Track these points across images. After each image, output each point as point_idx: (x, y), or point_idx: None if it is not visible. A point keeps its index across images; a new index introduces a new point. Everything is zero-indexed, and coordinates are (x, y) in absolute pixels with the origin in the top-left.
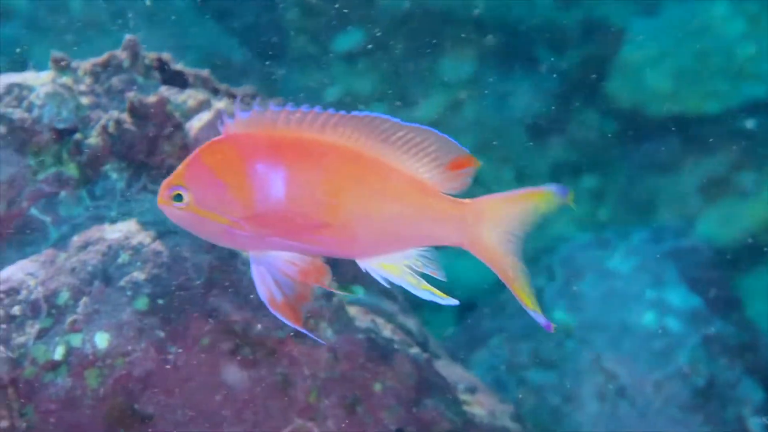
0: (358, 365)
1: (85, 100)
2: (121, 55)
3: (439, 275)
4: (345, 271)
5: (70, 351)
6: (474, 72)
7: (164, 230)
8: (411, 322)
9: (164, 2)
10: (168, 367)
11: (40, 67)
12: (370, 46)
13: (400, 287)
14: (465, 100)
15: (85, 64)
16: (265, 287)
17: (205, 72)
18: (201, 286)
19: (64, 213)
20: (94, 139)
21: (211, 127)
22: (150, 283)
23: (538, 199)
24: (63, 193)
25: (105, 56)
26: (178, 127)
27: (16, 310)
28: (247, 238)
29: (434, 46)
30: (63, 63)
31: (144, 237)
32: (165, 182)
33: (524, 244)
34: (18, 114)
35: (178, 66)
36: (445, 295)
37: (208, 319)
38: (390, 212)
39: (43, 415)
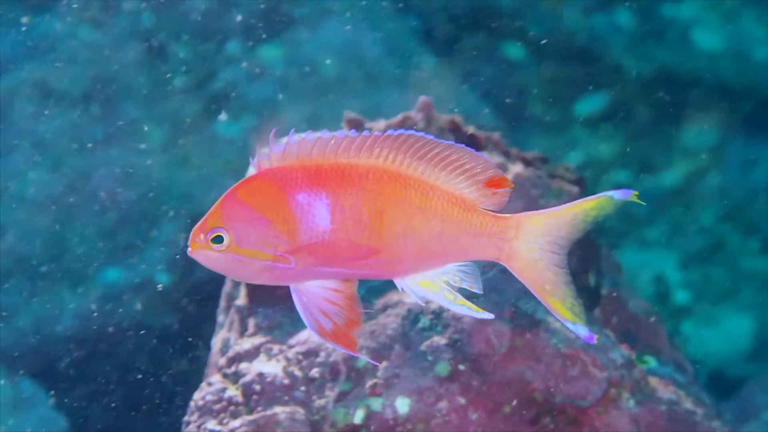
0: None
1: None
2: (416, 116)
3: (476, 288)
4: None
5: (370, 415)
6: (719, 139)
7: (466, 295)
8: (704, 394)
9: (412, 65)
10: None
11: (290, 127)
12: (613, 111)
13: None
14: (709, 168)
15: (378, 125)
16: (312, 318)
17: (496, 135)
18: (502, 353)
19: None
20: None
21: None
22: (451, 348)
23: (588, 207)
24: None
25: (399, 117)
26: None
27: (315, 372)
28: (289, 272)
29: (678, 112)
30: (356, 123)
31: None
32: (198, 227)
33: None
34: None
35: (471, 128)
36: (481, 310)
37: (510, 386)
38: (432, 229)
39: None
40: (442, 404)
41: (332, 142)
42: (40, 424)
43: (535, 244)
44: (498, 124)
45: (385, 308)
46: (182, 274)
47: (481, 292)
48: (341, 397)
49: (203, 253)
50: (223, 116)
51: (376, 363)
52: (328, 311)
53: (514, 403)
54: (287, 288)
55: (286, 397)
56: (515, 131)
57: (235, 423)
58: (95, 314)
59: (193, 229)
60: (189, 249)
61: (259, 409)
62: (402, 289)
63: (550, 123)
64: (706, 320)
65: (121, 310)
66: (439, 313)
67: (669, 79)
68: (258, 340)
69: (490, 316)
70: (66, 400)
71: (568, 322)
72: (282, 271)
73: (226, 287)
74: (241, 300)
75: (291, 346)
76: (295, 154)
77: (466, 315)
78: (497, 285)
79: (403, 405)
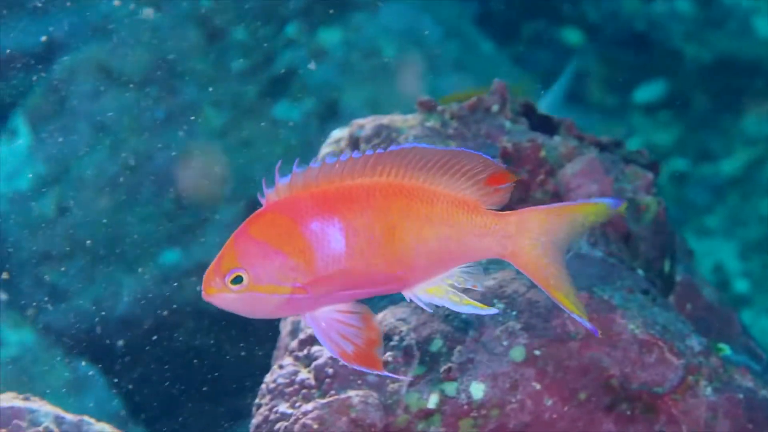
0: (738, 426)
1: (453, 144)
2: (490, 99)
3: (480, 287)
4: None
5: (444, 400)
6: None
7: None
8: None
9: (470, 49)
10: (544, 420)
11: (350, 111)
12: (671, 98)
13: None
14: None
15: (451, 108)
16: (332, 343)
17: (569, 119)
18: (579, 339)
19: None
20: None
21: (585, 175)
22: (526, 333)
23: (588, 210)
24: None
25: (473, 100)
26: (551, 173)
27: (388, 356)
28: (306, 301)
29: (738, 100)
30: (430, 105)
31: (518, 286)
32: (211, 270)
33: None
34: None
35: (544, 112)
36: (486, 306)
37: (586, 372)
38: (440, 236)
39: None
40: (517, 390)
41: (336, 166)
42: (97, 406)
43: (537, 240)
44: (559, 110)
45: None
46: None
47: (484, 289)
48: (415, 381)
49: (220, 296)
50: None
51: (398, 377)
52: (347, 334)
53: (590, 389)
54: None
55: (360, 381)
56: (573, 118)
57: (308, 406)
58: (153, 296)
59: (206, 273)
60: (204, 294)
61: (332, 392)
62: (410, 299)
63: (608, 109)
64: (766, 310)
65: (179, 292)
66: (514, 298)
67: (729, 66)
68: None
69: (495, 311)
70: (123, 382)
71: (575, 315)
72: (299, 301)
73: None
74: None
75: None
76: (302, 183)
77: (472, 314)
78: (571, 270)
79: (477, 390)
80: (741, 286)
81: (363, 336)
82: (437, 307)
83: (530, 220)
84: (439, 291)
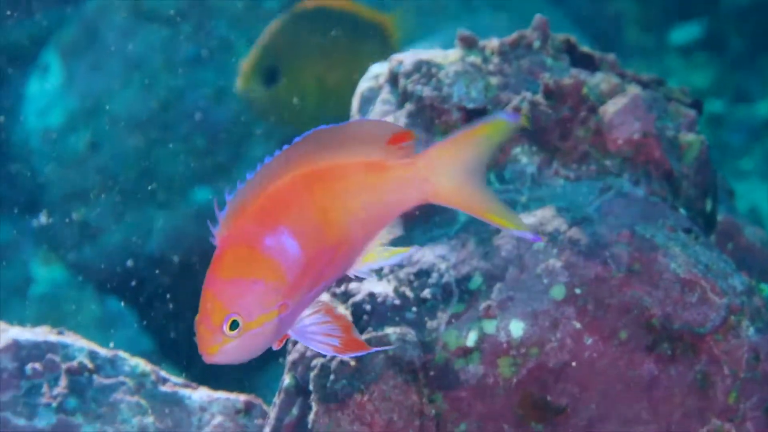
0: None
1: (493, 81)
2: (531, 35)
3: (398, 232)
4: None
5: (483, 338)
6: None
7: (579, 218)
8: None
9: None
10: (583, 359)
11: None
12: (708, 40)
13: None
14: None
15: (492, 44)
16: (320, 344)
17: (611, 56)
18: (620, 277)
19: None
20: None
21: (627, 113)
22: (567, 271)
23: (488, 130)
24: None
25: (514, 36)
26: (592, 110)
27: (426, 293)
28: (289, 317)
29: None
30: (470, 41)
31: (560, 223)
32: (204, 331)
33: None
34: (427, 92)
35: (585, 49)
36: (406, 249)
37: (627, 311)
38: (365, 203)
39: (452, 401)
40: (557, 328)
41: (254, 180)
42: (127, 344)
43: (451, 173)
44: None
45: (498, 231)
46: None
47: (403, 233)
48: (453, 319)
49: (224, 350)
50: None
51: (387, 347)
52: (326, 331)
53: (631, 329)
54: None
55: (397, 318)
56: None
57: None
58: (184, 234)
59: (200, 338)
60: (207, 356)
61: (370, 329)
62: (354, 276)
63: (644, 50)
64: None
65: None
66: (555, 236)
67: (766, 7)
68: None
69: (414, 248)
70: (153, 321)
71: (514, 231)
72: (284, 320)
73: None
74: None
75: (402, 267)
76: (236, 210)
77: (401, 261)
78: (613, 209)
79: (517, 328)
80: None
81: (339, 326)
82: (375, 270)
83: (438, 157)
84: (373, 257)
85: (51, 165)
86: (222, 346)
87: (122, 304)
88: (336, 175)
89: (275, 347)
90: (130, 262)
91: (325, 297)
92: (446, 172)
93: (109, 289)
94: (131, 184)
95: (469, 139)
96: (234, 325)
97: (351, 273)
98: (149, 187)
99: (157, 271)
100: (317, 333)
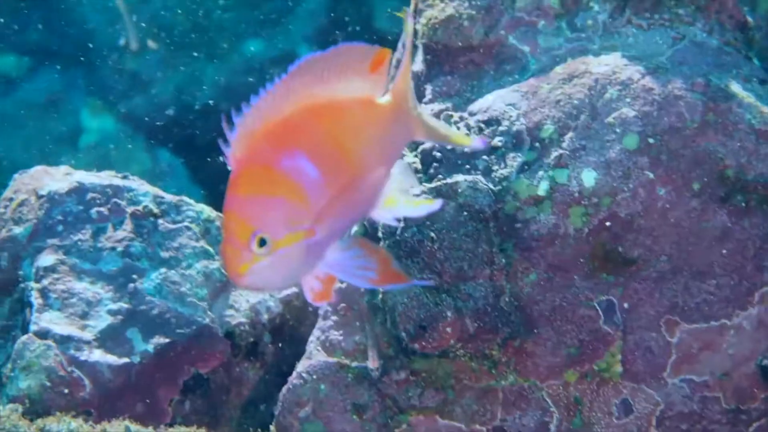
0: None
1: None
2: None
3: (416, 187)
4: None
5: (554, 187)
6: None
7: (653, 67)
8: None
9: None
10: (656, 210)
11: None
12: None
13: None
14: None
15: None
16: (357, 277)
17: None
18: (694, 127)
19: (543, 43)
20: None
21: None
22: (640, 120)
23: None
24: (542, 23)
25: None
26: None
27: (497, 141)
28: (318, 246)
29: None
30: None
31: (633, 72)
32: (230, 250)
33: None
34: None
35: None
36: (431, 201)
37: (700, 162)
38: (372, 135)
39: (523, 251)
40: (630, 178)
41: (261, 106)
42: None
43: (416, 102)
44: None
45: (570, 78)
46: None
47: (422, 186)
48: (524, 168)
49: (255, 269)
50: None
51: (427, 282)
52: (362, 265)
53: (704, 179)
54: (468, 55)
55: (467, 166)
56: None
57: (415, 191)
58: (236, 85)
59: (226, 258)
60: (237, 278)
61: (439, 176)
62: (378, 219)
63: None
64: None
65: (261, 82)
66: (627, 84)
67: None
68: (436, 106)
69: (439, 202)
70: (204, 173)
71: (467, 147)
72: (313, 247)
73: None
74: (417, 65)
75: (472, 114)
76: (248, 132)
77: (429, 212)
78: (687, 58)
79: (589, 178)
80: None
81: (375, 259)
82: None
83: (404, 89)
84: (393, 200)
85: (100, 14)
86: (252, 265)
87: (173, 155)
88: (340, 109)
89: (316, 301)
90: (180, 114)
91: None
92: (415, 101)
93: (159, 141)
94: (181, 34)
95: (407, 65)
96: (262, 243)
97: (375, 217)
98: (200, 38)
99: (207, 123)
100: (351, 267)
